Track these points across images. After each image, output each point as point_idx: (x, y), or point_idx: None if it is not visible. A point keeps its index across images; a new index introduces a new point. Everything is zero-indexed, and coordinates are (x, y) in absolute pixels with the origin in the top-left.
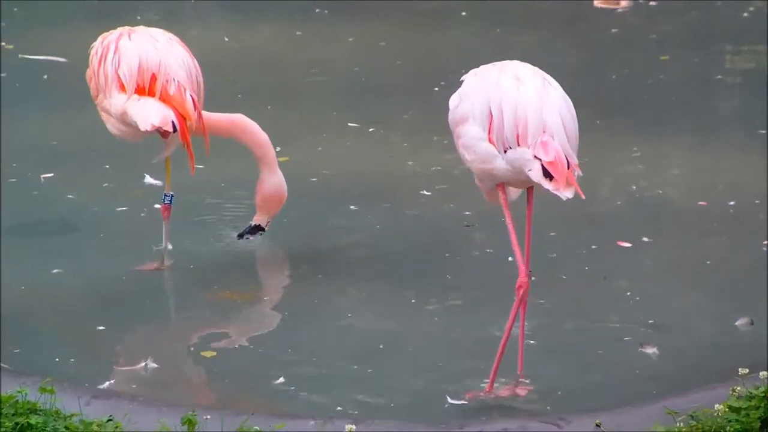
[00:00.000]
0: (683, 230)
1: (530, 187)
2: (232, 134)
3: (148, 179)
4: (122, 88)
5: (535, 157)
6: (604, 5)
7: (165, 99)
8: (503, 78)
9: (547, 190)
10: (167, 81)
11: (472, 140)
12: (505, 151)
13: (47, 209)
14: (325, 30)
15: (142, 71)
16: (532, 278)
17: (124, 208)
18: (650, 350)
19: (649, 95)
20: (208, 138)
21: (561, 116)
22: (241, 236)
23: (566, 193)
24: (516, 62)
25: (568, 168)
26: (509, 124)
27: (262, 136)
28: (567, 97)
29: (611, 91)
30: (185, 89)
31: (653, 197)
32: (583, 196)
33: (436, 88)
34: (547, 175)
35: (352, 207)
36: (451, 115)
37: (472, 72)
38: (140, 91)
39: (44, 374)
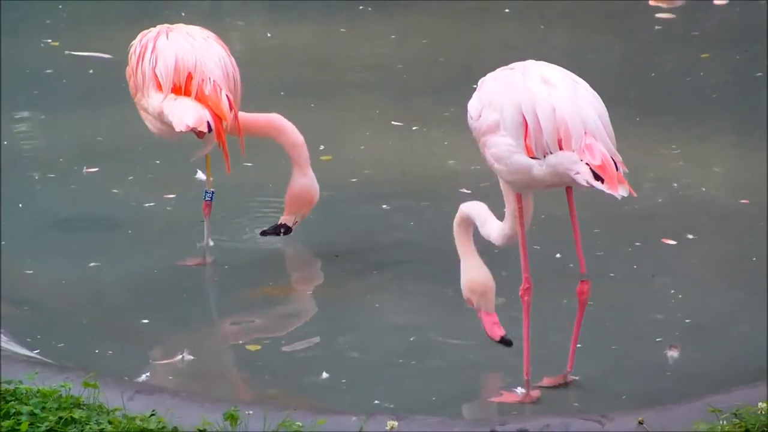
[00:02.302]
0: (726, 228)
1: (569, 188)
2: (268, 134)
3: (200, 174)
4: (159, 87)
5: (582, 160)
6: (658, 3)
7: (201, 98)
8: (531, 82)
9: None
10: (203, 80)
11: (505, 152)
12: (544, 156)
13: (91, 203)
14: (368, 27)
15: (178, 70)
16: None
17: (167, 205)
18: (675, 353)
19: (690, 93)
20: (243, 138)
21: (599, 115)
22: (265, 234)
23: (620, 192)
24: (537, 62)
25: (616, 168)
26: (548, 129)
27: (298, 137)
28: (596, 94)
29: (652, 88)
30: (221, 89)
31: (696, 195)
32: (635, 194)
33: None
34: (596, 177)
35: (391, 206)
36: (475, 125)
37: (489, 76)
38: (177, 90)
39: (87, 368)
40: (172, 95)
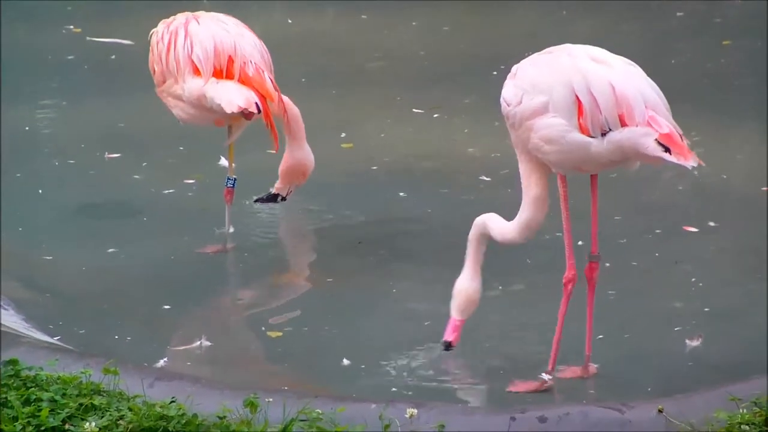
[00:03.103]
0: (748, 216)
1: (594, 175)
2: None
3: (223, 161)
4: (197, 72)
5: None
6: None
7: (244, 81)
8: (581, 62)
9: (668, 163)
10: (245, 63)
11: (558, 132)
12: (603, 135)
13: (112, 190)
14: (389, 14)
15: (218, 54)
16: (606, 264)
17: (188, 191)
18: (696, 343)
19: (711, 80)
20: (272, 118)
21: (654, 90)
22: (258, 201)
23: (690, 162)
24: (577, 45)
25: (681, 139)
26: (608, 106)
27: (295, 109)
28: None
29: (673, 75)
30: (263, 70)
31: (717, 182)
32: (703, 163)
33: (495, 72)
34: (664, 149)
35: (411, 193)
36: (515, 110)
37: (526, 62)
38: (218, 74)
39: (107, 355)
40: (214, 79)
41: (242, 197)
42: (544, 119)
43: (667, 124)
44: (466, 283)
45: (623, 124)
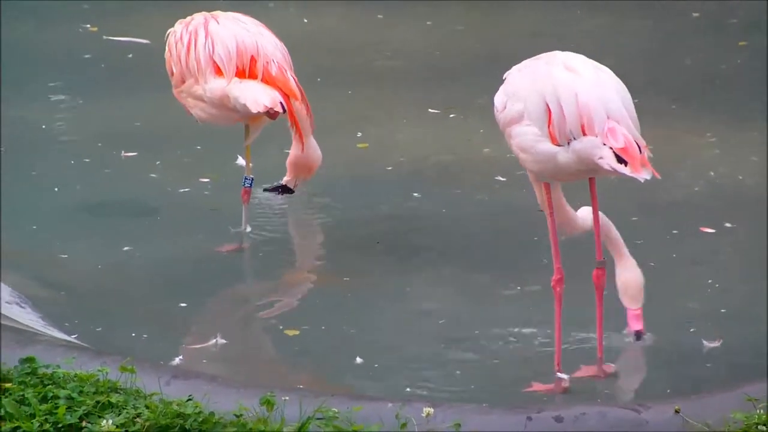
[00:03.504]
0: (764, 216)
1: (591, 178)
2: None
3: (240, 160)
4: (218, 72)
5: (605, 144)
6: None
7: (268, 80)
8: (554, 70)
9: (622, 175)
10: (268, 62)
11: (530, 141)
12: (569, 143)
13: (128, 188)
14: (405, 13)
15: (240, 54)
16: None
17: (204, 190)
18: (714, 344)
19: (727, 81)
20: (296, 116)
21: (622, 100)
22: (267, 190)
23: (644, 175)
24: (563, 52)
25: (640, 151)
26: (571, 115)
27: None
28: (620, 80)
29: (688, 75)
30: (286, 69)
31: (733, 183)
32: (659, 176)
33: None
34: (620, 161)
35: (426, 193)
36: (500, 116)
37: (515, 68)
38: (240, 74)
39: (124, 353)
40: (237, 79)
41: (258, 195)
42: (519, 127)
43: (625, 136)
44: (627, 273)
45: (584, 134)
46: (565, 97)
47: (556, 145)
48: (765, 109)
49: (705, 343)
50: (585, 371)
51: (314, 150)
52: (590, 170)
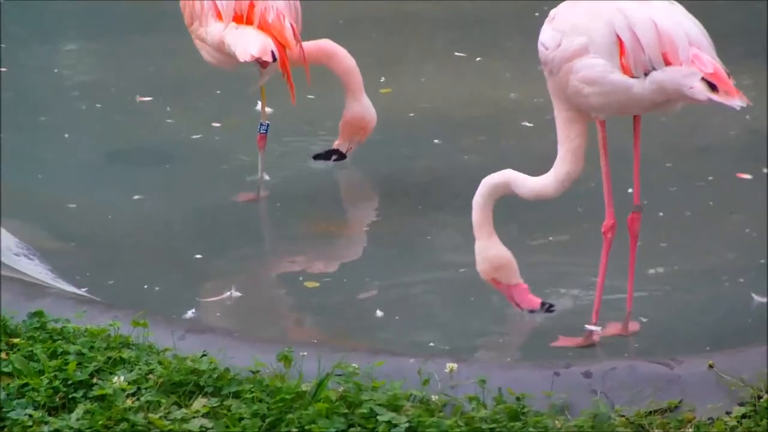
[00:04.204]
0: None
1: (636, 117)
2: (320, 61)
3: (260, 106)
4: (219, 16)
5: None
6: None
7: (264, 27)
8: (621, 3)
9: (716, 104)
10: (266, 9)
11: (599, 72)
12: (646, 74)
13: (142, 134)
14: None
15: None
16: (660, 214)
17: (216, 135)
18: (757, 298)
19: (761, 21)
20: (308, 67)
21: (698, 28)
22: (317, 158)
23: (737, 102)
24: None
25: (728, 77)
26: (651, 45)
27: (350, 61)
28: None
29: (722, 15)
30: (284, 17)
31: None
32: (751, 103)
33: (537, 14)
34: (711, 88)
35: (449, 140)
36: (553, 54)
37: (564, 5)
38: (238, 19)
39: (136, 306)
40: (234, 24)
41: (275, 143)
42: (584, 60)
43: (712, 62)
44: (497, 250)
45: (667, 63)
46: (641, 26)
47: (629, 76)
48: None
49: (740, 296)
50: (610, 328)
51: (367, 108)
52: (667, 102)
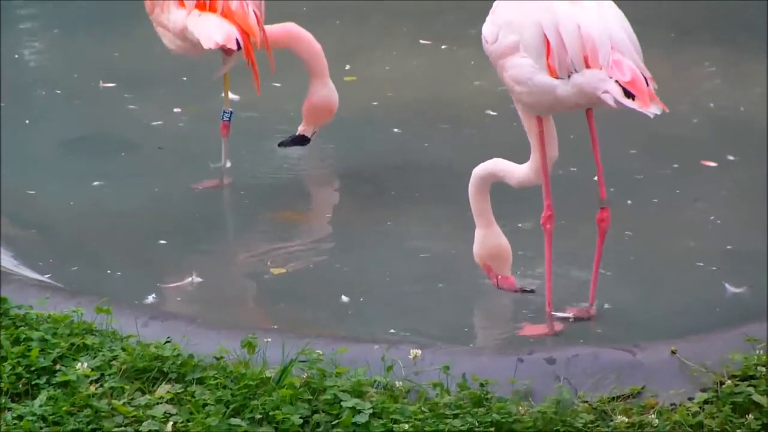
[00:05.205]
0: (766, 149)
1: (589, 110)
2: (284, 44)
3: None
4: (181, 3)
5: (611, 77)
6: None
7: (227, 14)
8: (553, 2)
9: (628, 109)
10: None
11: (526, 73)
12: (569, 76)
13: (104, 121)
14: None
15: None
16: (628, 202)
17: (182, 124)
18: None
19: (728, 9)
20: (272, 53)
21: (625, 32)
22: (282, 145)
23: (652, 110)
24: None
25: (647, 84)
26: (574, 46)
27: (315, 45)
28: (622, 13)
29: (687, 6)
30: (248, 4)
31: (734, 115)
32: (667, 110)
33: None
34: (626, 95)
35: (412, 129)
36: (491, 48)
37: None
38: (200, 6)
39: (100, 293)
40: (196, 11)
41: (242, 130)
42: (513, 59)
43: (631, 68)
44: (495, 241)
45: (587, 66)
46: (566, 27)
47: (554, 77)
48: (766, 40)
49: (703, 282)
50: (570, 311)
51: (331, 92)
52: (590, 104)
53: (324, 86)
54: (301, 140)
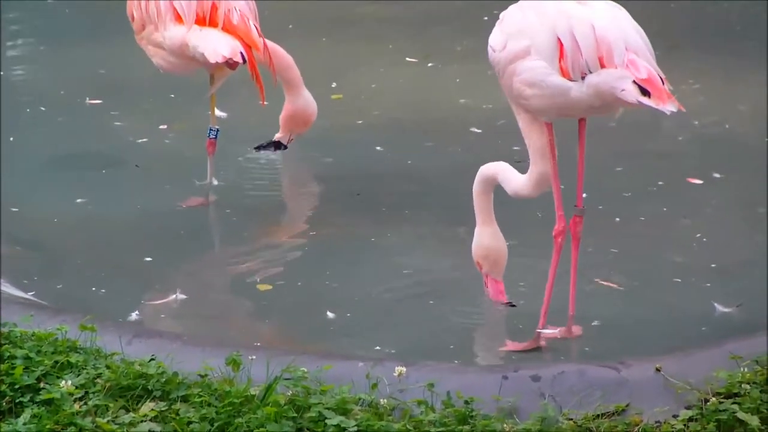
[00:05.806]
0: (752, 167)
1: (582, 120)
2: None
3: (217, 112)
4: (178, 19)
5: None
6: None
7: (228, 29)
8: (565, 5)
9: (646, 108)
10: (229, 10)
11: (540, 75)
12: (583, 78)
13: (90, 137)
14: None
15: (201, 1)
16: (617, 219)
17: (168, 141)
18: (728, 309)
19: (713, 25)
20: (275, 66)
21: (637, 32)
22: (259, 149)
23: (669, 107)
24: None
25: (662, 83)
26: (588, 47)
27: (288, 58)
28: (631, 17)
29: (672, 19)
30: (248, 18)
31: (719, 132)
32: (684, 109)
33: (486, 18)
34: (643, 93)
35: (398, 146)
36: (500, 56)
37: (513, 7)
38: (200, 21)
39: (84, 311)
40: (197, 27)
41: (228, 148)
42: (525, 62)
43: (647, 67)
44: (491, 241)
45: (603, 67)
46: (580, 29)
47: (568, 79)
48: (754, 57)
49: (689, 300)
50: (552, 333)
51: (308, 102)
52: (604, 106)
53: (299, 96)
54: (277, 145)
